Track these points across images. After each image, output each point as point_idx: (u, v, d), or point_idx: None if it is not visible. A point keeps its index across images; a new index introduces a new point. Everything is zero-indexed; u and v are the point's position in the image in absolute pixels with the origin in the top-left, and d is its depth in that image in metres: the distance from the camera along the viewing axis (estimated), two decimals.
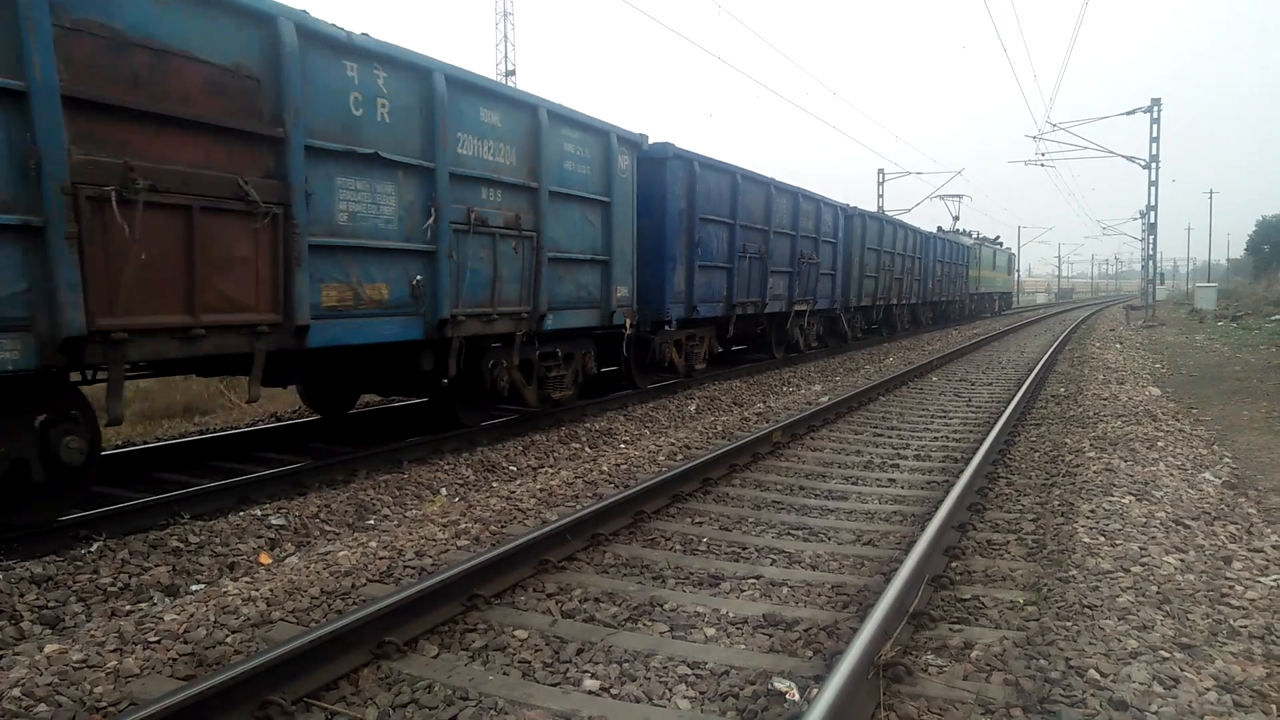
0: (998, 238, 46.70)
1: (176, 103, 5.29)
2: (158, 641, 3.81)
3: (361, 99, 6.60)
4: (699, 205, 12.15)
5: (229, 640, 3.84)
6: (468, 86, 7.65)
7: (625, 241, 10.41)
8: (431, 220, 7.24)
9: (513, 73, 38.88)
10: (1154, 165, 30.48)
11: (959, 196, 40.93)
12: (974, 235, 41.15)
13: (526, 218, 8.48)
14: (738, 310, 13.75)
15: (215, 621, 4.02)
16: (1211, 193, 74.23)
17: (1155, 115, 29.90)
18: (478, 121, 7.84)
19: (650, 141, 11.01)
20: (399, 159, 6.92)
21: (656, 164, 11.36)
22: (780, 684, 3.34)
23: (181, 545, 5.26)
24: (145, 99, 5.11)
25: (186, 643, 3.81)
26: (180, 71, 5.32)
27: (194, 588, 4.77)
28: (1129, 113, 29.93)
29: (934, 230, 31.47)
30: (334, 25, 6.30)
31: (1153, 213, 32.20)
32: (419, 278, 7.20)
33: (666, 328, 11.91)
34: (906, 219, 28.80)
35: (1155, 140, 30.20)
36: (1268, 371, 14.37)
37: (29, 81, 4.53)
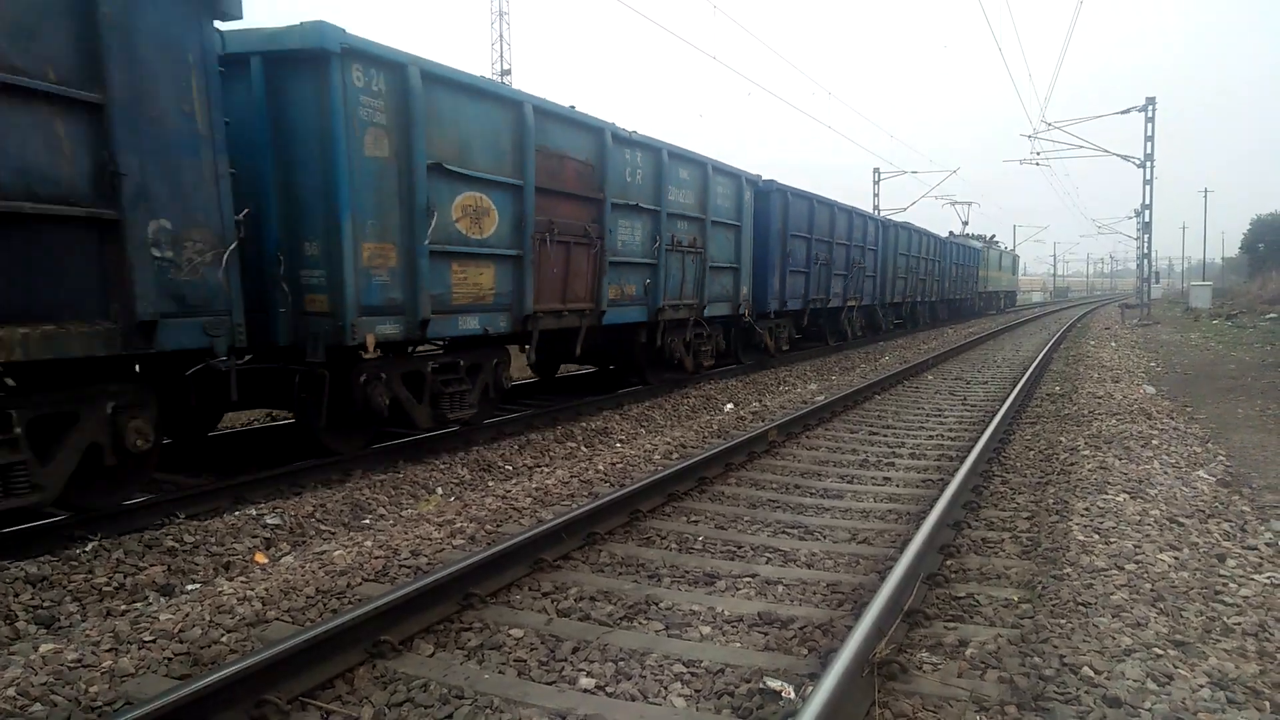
0: (993, 236, 47.19)
1: (566, 184, 9.24)
2: (153, 641, 3.81)
3: (629, 170, 10.47)
4: (790, 225, 16.01)
5: (224, 640, 3.84)
6: (675, 156, 11.50)
7: (748, 254, 14.19)
8: (656, 244, 11.15)
9: (508, 72, 38.86)
10: (1149, 164, 30.55)
11: (969, 203, 43.35)
12: (984, 239, 44.00)
13: (698, 240, 12.31)
14: (812, 304, 17.60)
15: (210, 621, 4.02)
16: (1206, 191, 74.43)
17: (1150, 114, 29.98)
18: (678, 177, 11.68)
19: (762, 179, 14.78)
20: (645, 206, 10.84)
21: (764, 195, 15.02)
22: (774, 683, 3.35)
23: (177, 545, 5.26)
24: (556, 184, 9.02)
25: (182, 642, 3.81)
26: (566, 166, 9.21)
27: (189, 587, 4.77)
28: (1124, 111, 30.01)
29: (947, 234, 34.79)
30: (626, 130, 10.21)
31: (1148, 211, 32.27)
32: (648, 281, 11.12)
33: (764, 319, 15.64)
34: (903, 218, 28.98)
35: (1150, 139, 30.27)
36: (1262, 370, 14.41)
37: (526, 181, 8.41)
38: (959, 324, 33.78)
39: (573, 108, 9.47)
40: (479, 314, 8.02)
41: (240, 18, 5.72)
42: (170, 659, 3.65)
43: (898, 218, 28.16)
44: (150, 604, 4.48)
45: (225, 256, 5.57)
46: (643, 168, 10.71)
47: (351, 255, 6.52)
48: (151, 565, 4.97)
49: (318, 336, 6.53)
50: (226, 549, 5.33)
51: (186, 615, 4.08)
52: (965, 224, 43.64)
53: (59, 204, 4.71)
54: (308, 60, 6.33)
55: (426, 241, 7.14)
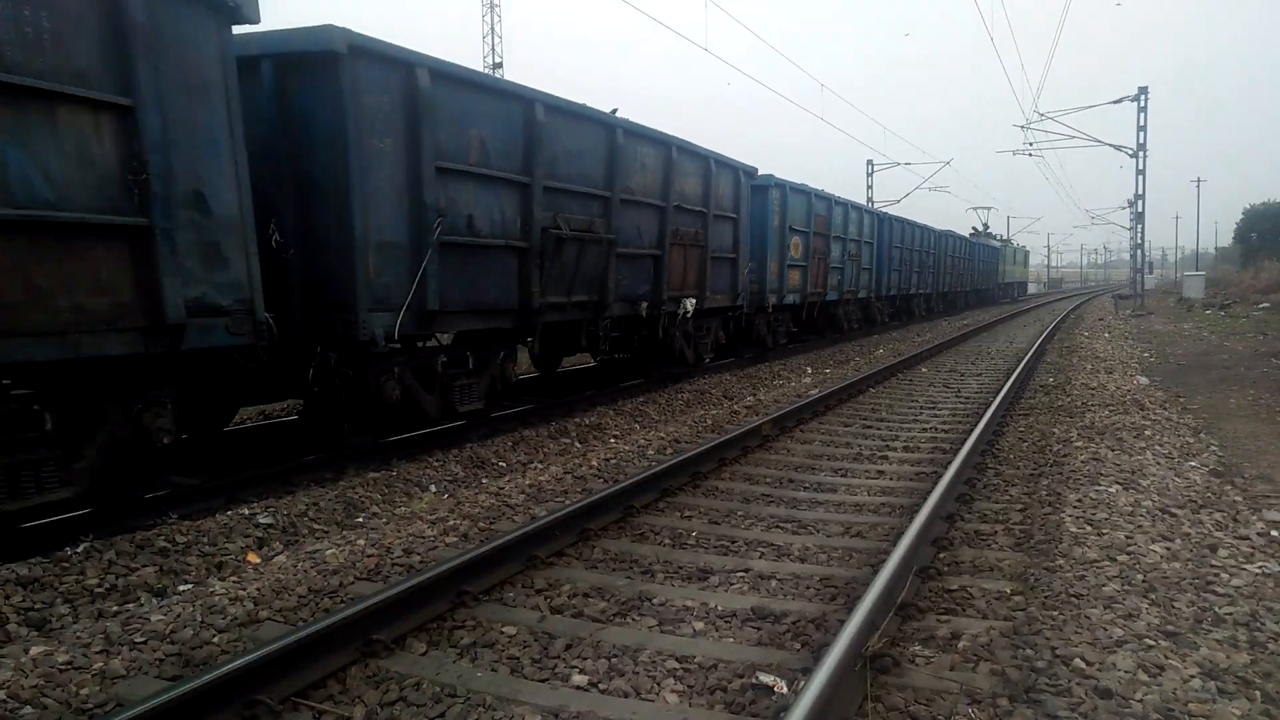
0: (986, 226, 47.74)
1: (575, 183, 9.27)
2: (144, 642, 3.80)
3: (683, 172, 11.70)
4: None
5: (216, 640, 3.83)
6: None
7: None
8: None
9: (500, 65, 38.72)
10: (1142, 154, 30.60)
11: (989, 208, 51.19)
12: (1002, 238, 53.56)
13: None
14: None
15: (202, 621, 4.01)
16: (1199, 181, 74.41)
17: (1142, 104, 30.01)
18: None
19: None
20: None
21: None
22: (766, 678, 3.35)
23: (169, 545, 5.24)
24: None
25: (173, 643, 3.80)
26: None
27: (181, 588, 4.75)
28: (1116, 101, 30.05)
29: (970, 232, 41.73)
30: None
31: (1141, 201, 32.34)
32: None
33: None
34: (898, 210, 29.05)
35: (1143, 129, 30.32)
36: (1255, 359, 14.46)
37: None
38: (964, 314, 36.39)
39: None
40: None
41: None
42: (162, 660, 3.64)
43: (895, 210, 28.42)
44: (142, 605, 4.46)
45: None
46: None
47: None
48: (143, 566, 4.95)
49: None
50: (219, 549, 5.31)
51: (178, 616, 4.07)
52: (985, 225, 51.17)
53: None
54: (761, 187, 13.13)
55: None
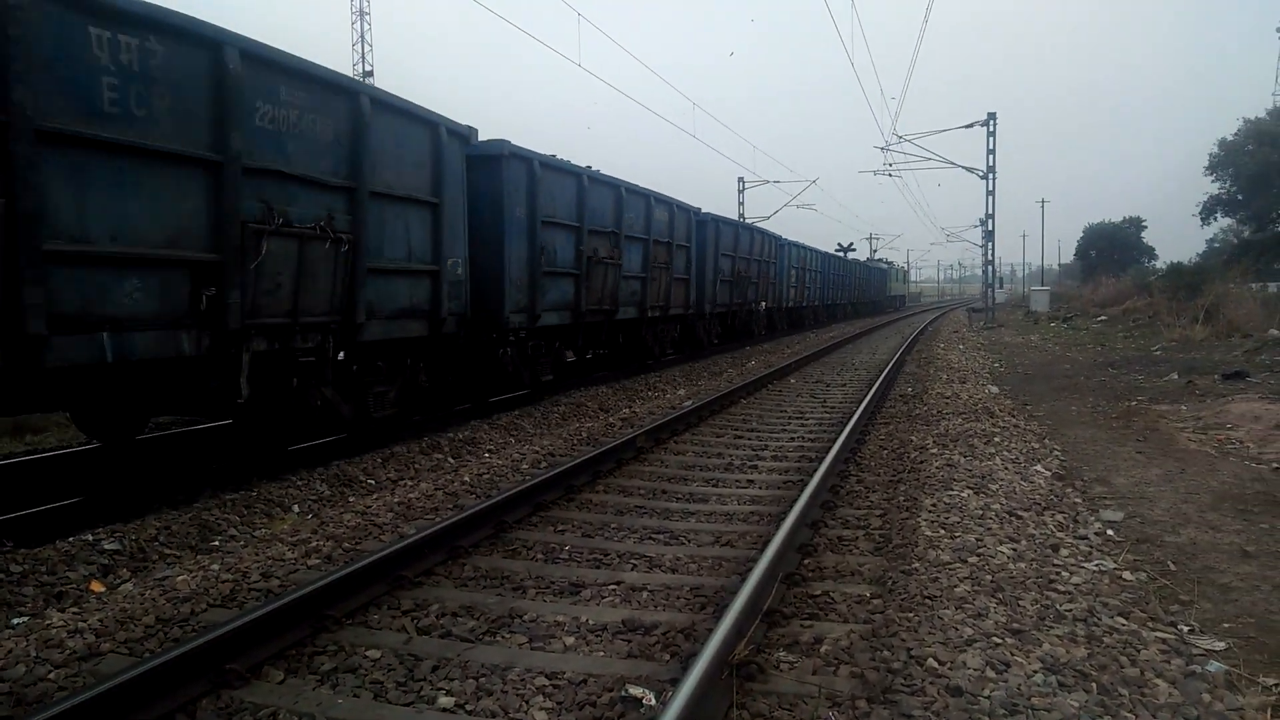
0: (851, 244, 50.35)
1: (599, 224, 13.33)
2: None
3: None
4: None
5: (52, 676, 3.58)
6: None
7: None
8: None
9: (370, 74, 37.89)
10: (991, 175, 32.42)
11: (877, 237, 72.01)
12: (890, 262, 74.74)
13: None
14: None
15: (37, 657, 3.74)
16: (1044, 202, 79.63)
17: (991, 129, 31.82)
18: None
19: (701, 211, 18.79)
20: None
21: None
22: (635, 690, 3.37)
23: (2, 576, 4.85)
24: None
25: (3, 680, 3.52)
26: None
27: (15, 621, 4.40)
28: (967, 126, 31.76)
29: (866, 258, 55.38)
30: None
31: (991, 220, 34.22)
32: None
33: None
34: (768, 225, 30.02)
35: (992, 152, 32.13)
36: (1094, 369, 15.50)
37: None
38: (853, 320, 41.89)
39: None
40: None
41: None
42: None
43: (765, 225, 29.62)
44: None
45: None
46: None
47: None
48: None
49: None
50: (59, 578, 4.95)
51: (9, 651, 3.79)
52: (874, 251, 74.85)
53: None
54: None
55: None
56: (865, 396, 11.43)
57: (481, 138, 10.25)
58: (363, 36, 39.14)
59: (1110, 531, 5.41)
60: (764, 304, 25.26)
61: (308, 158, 6.99)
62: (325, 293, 7.26)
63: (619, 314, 14.22)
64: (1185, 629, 3.90)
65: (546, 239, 11.53)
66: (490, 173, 10.49)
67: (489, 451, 8.78)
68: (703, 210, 19.28)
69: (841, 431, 8.49)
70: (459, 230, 9.56)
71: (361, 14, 39.05)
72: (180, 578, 4.76)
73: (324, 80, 7.19)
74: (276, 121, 6.64)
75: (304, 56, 6.93)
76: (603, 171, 13.72)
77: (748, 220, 33.91)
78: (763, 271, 24.81)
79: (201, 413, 8.05)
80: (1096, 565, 4.74)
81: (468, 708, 3.31)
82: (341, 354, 7.79)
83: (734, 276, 21.73)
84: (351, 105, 7.49)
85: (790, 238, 29.67)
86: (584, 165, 13.16)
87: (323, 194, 7.21)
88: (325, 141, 7.21)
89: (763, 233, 25.62)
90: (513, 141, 10.68)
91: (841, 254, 45.02)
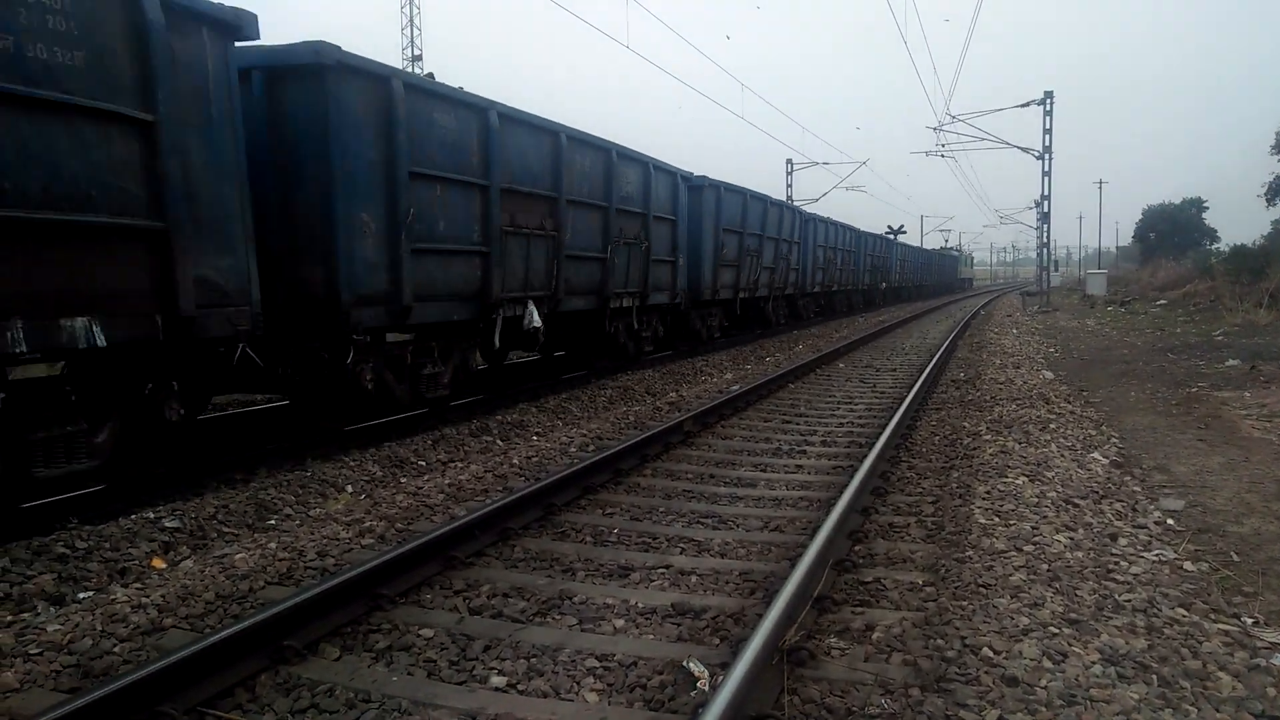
0: (901, 227, 49.65)
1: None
2: (40, 654, 3.63)
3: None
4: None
5: (117, 650, 3.68)
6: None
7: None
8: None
9: (419, 58, 38.14)
10: (1047, 156, 31.68)
11: (950, 230, 79.63)
12: (959, 250, 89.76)
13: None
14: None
15: (103, 631, 3.85)
16: (1101, 182, 77.57)
17: (1048, 108, 31.08)
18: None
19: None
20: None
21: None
22: (694, 667, 3.37)
23: (68, 551, 5.01)
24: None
25: (71, 654, 3.63)
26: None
27: (81, 596, 4.54)
28: (1023, 105, 31.05)
29: (939, 247, 63.29)
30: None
31: (1046, 202, 33.51)
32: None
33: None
34: (816, 209, 29.71)
35: (1048, 132, 31.39)
36: (1152, 354, 15.12)
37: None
38: (889, 309, 39.37)
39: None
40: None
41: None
42: (59, 672, 3.49)
43: (816, 210, 29.42)
44: (39, 614, 4.25)
45: None
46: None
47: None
48: (40, 574, 4.72)
49: None
50: (122, 554, 5.09)
51: (77, 625, 3.90)
52: (946, 241, 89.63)
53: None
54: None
55: None
56: (916, 381, 11.29)
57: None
58: (411, 21, 39.37)
59: (1170, 520, 5.28)
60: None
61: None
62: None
63: (759, 292, 19.27)
64: (1249, 621, 3.80)
65: (722, 241, 16.38)
66: (696, 197, 15.58)
67: (537, 434, 8.84)
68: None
69: (892, 417, 8.39)
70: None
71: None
72: (239, 555, 4.87)
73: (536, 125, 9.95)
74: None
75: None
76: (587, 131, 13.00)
77: (795, 203, 33.55)
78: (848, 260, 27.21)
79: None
80: (1156, 555, 4.63)
81: (519, 688, 3.34)
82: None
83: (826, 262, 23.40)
84: (553, 139, 10.42)
85: (842, 221, 29.42)
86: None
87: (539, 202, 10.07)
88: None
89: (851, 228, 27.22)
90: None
91: (891, 236, 45.38)
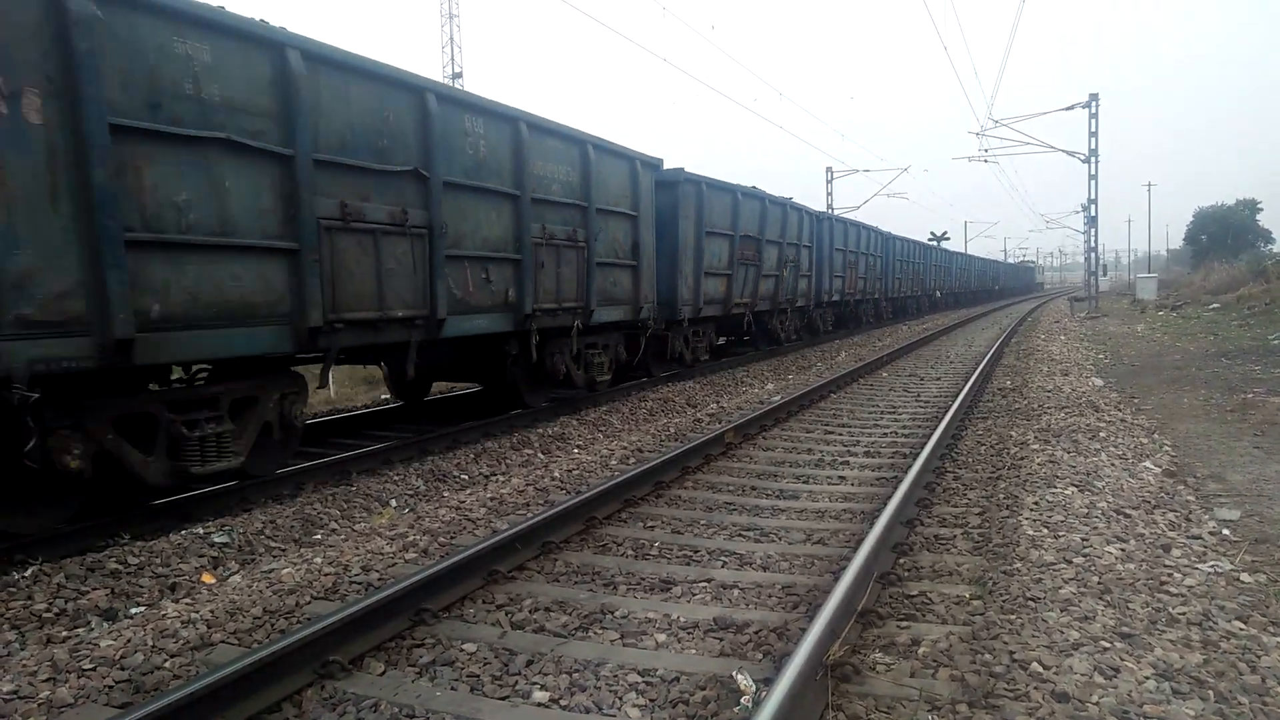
0: (945, 233, 48.95)
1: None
2: (93, 669, 3.70)
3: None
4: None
5: (167, 665, 3.74)
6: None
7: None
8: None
9: (460, 75, 38.60)
10: (1093, 159, 31.17)
11: (1006, 237, 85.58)
12: (1031, 261, 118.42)
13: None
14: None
15: (154, 646, 3.92)
16: (1150, 185, 76.06)
17: (1094, 110, 30.59)
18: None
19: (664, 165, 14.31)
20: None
21: (670, 185, 13.62)
22: (741, 679, 3.35)
23: (120, 567, 5.12)
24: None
25: (123, 669, 3.70)
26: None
27: (133, 611, 4.64)
28: (1068, 108, 30.59)
29: (928, 237, 48.84)
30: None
31: (1093, 206, 32.92)
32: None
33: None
34: (857, 216, 29.44)
35: (1094, 135, 30.88)
36: (1206, 360, 14.76)
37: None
38: (980, 304, 44.65)
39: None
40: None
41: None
42: (111, 687, 3.55)
43: (883, 226, 29.12)
44: (92, 630, 4.36)
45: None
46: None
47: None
48: (94, 589, 4.83)
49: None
50: (172, 570, 5.20)
51: (129, 640, 3.98)
52: (1004, 251, 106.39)
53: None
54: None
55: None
56: (961, 390, 11.13)
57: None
58: (452, 39, 39.92)
59: (1226, 531, 5.14)
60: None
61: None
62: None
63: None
64: None
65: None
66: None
67: (578, 447, 8.86)
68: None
69: (937, 426, 8.28)
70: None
71: (451, 16, 39.83)
72: (285, 570, 4.94)
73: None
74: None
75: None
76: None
77: (838, 212, 33.34)
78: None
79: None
80: (1212, 566, 4.51)
81: (562, 703, 3.34)
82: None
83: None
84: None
85: (893, 231, 29.16)
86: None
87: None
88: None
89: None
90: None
91: (935, 244, 45.54)
